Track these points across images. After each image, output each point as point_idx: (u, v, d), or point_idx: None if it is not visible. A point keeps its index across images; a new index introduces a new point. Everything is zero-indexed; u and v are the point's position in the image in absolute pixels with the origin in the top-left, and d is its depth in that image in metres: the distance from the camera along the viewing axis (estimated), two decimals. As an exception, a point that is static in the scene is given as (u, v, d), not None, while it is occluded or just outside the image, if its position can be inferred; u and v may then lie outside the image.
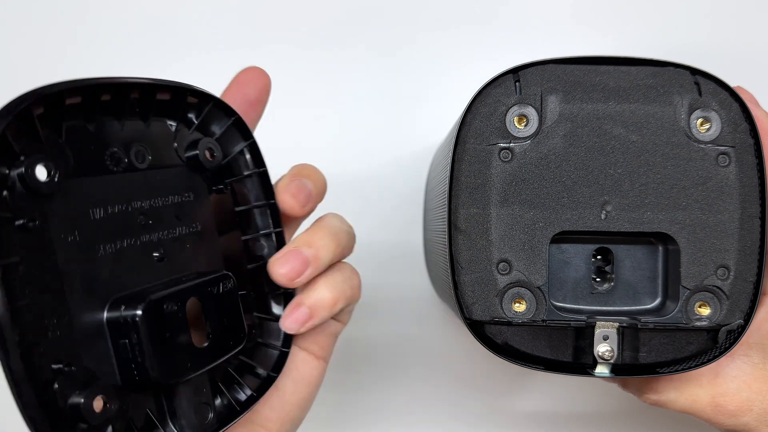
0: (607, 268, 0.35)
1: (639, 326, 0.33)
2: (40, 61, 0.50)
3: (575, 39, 0.50)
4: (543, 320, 0.33)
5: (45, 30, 0.51)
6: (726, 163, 0.33)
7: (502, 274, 0.33)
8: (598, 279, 0.35)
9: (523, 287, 0.33)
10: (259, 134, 0.35)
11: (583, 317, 0.34)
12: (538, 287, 0.33)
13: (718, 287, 0.33)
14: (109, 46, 0.51)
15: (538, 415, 0.52)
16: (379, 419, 0.52)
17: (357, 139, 0.51)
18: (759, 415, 0.37)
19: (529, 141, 0.33)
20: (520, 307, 0.33)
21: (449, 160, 0.34)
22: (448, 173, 0.34)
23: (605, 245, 0.35)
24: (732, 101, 0.34)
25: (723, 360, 0.37)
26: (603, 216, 0.33)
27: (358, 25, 0.51)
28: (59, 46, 0.51)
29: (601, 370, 0.34)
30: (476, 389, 0.52)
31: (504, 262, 0.33)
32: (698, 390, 0.37)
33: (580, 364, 0.34)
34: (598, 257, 0.35)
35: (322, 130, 0.51)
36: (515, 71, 0.34)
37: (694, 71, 0.34)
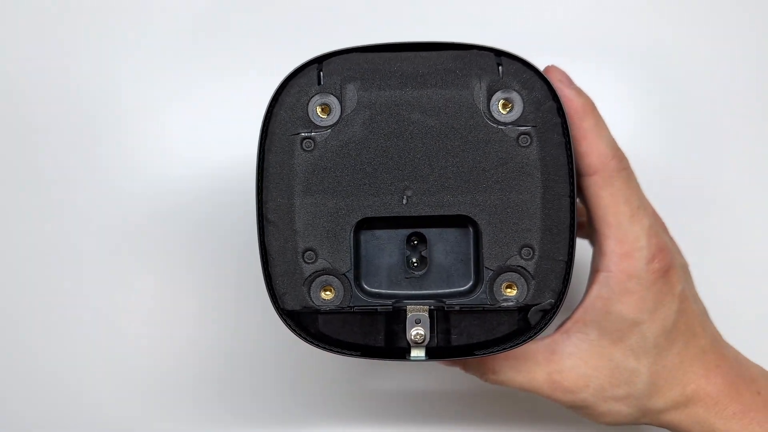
0: (423, 253, 0.35)
1: (446, 308, 0.34)
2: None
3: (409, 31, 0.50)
4: (350, 306, 0.34)
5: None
6: (527, 143, 0.33)
7: (308, 263, 0.34)
8: (415, 263, 0.35)
9: (330, 275, 0.34)
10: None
11: (389, 302, 0.34)
12: (344, 274, 0.34)
13: (522, 267, 0.33)
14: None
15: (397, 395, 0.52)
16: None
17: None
18: (596, 391, 0.37)
19: (330, 130, 0.34)
20: (328, 295, 0.34)
21: (257, 151, 0.34)
22: (257, 164, 0.34)
23: (418, 230, 0.35)
24: (537, 80, 0.34)
25: (558, 337, 0.37)
26: (404, 201, 0.34)
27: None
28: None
29: (417, 353, 0.34)
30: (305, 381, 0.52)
31: (310, 250, 0.34)
32: (535, 368, 0.37)
33: (397, 348, 0.34)
34: (414, 242, 0.35)
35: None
36: (319, 61, 0.34)
37: (499, 53, 0.34)
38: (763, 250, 0.50)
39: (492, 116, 0.33)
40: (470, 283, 0.35)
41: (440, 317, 0.34)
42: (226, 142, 0.50)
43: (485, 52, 0.34)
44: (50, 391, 0.51)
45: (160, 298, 0.51)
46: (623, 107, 0.50)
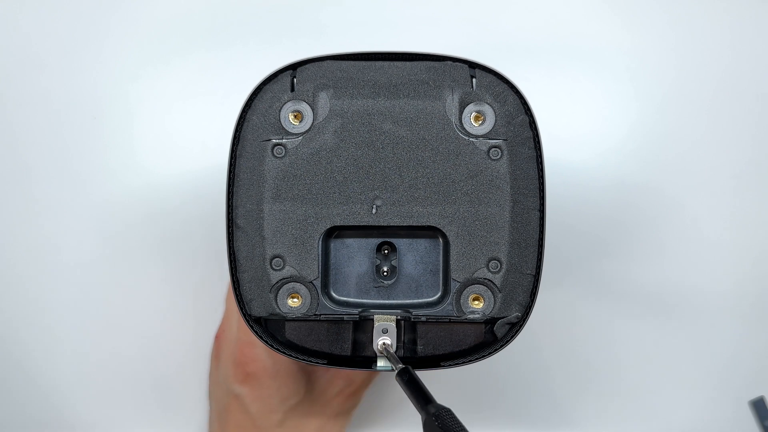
0: (393, 262, 0.35)
1: (412, 319, 0.34)
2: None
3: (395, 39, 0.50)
4: (316, 314, 0.34)
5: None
6: (498, 156, 0.33)
7: (276, 270, 0.34)
8: (386, 272, 0.35)
9: (297, 282, 0.34)
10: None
11: (356, 311, 0.34)
12: (311, 282, 0.34)
13: (489, 280, 0.33)
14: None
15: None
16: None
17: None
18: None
19: (302, 137, 0.34)
20: (295, 302, 0.34)
21: (229, 157, 0.34)
22: (228, 170, 0.34)
23: (388, 239, 0.35)
24: (509, 94, 0.34)
25: None
26: (374, 211, 0.33)
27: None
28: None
29: (383, 363, 0.34)
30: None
31: (277, 257, 0.34)
32: None
33: (364, 357, 0.34)
34: (386, 251, 0.35)
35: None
36: (293, 67, 0.34)
37: (473, 65, 0.34)
38: (721, 247, 0.50)
39: (464, 128, 0.33)
40: (438, 294, 0.35)
41: (407, 327, 0.34)
42: (209, 148, 0.50)
43: (459, 63, 0.34)
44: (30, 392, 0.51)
45: (148, 300, 0.51)
46: (598, 113, 0.50)
